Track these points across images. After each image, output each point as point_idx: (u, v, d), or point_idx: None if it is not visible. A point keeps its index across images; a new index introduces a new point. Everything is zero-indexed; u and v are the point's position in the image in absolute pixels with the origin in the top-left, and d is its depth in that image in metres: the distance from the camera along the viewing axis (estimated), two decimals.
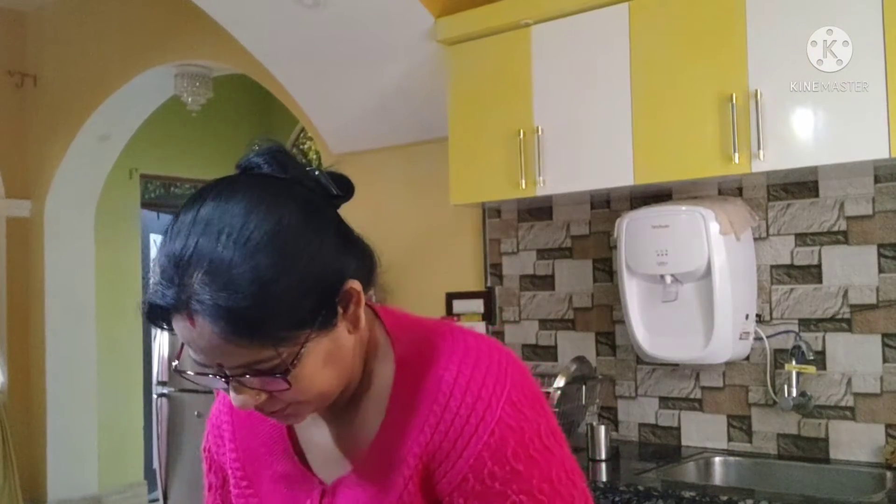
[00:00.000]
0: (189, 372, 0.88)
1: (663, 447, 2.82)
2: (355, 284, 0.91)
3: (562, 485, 0.91)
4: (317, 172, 0.94)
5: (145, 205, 6.21)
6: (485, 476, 0.89)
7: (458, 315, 3.38)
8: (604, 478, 2.43)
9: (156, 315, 0.87)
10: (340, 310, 0.90)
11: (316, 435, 1.02)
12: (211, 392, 1.04)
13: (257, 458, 1.06)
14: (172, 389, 4.27)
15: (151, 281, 0.87)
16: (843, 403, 2.53)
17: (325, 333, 0.89)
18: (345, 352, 0.93)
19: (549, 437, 0.92)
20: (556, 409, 2.71)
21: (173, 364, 0.92)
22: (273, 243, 0.84)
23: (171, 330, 0.87)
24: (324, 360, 0.90)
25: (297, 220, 0.87)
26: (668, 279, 2.58)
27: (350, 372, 0.96)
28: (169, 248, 0.85)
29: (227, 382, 0.88)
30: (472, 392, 0.91)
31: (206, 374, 0.88)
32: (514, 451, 0.89)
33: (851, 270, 2.53)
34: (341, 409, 1.00)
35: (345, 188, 0.98)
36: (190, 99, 4.80)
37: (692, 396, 2.81)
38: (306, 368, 0.88)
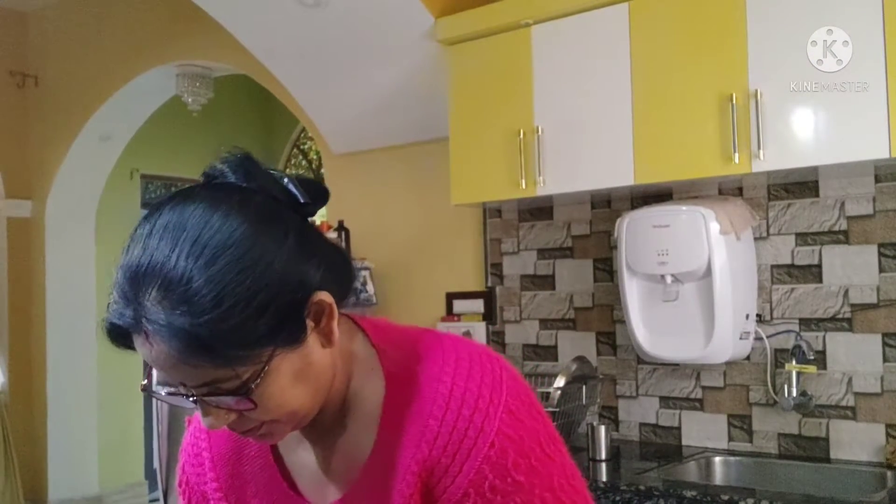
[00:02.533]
0: (161, 392, 0.85)
1: (664, 447, 2.82)
2: (325, 296, 0.86)
3: (563, 492, 0.90)
4: (285, 180, 0.89)
5: (146, 205, 6.21)
6: (486, 490, 0.87)
7: (459, 315, 3.38)
8: (604, 478, 2.43)
9: (116, 335, 0.84)
10: (312, 323, 0.86)
11: (303, 457, 0.99)
12: None
13: (242, 485, 1.01)
14: None
15: (110, 299, 0.83)
16: (843, 403, 2.53)
17: (293, 349, 0.85)
18: (318, 368, 0.89)
19: (548, 445, 0.91)
20: (557, 409, 2.71)
21: (142, 384, 0.87)
22: (226, 256, 0.80)
23: (133, 349, 0.84)
24: (293, 378, 0.86)
25: (253, 230, 0.82)
26: (669, 279, 2.58)
27: (328, 388, 0.92)
28: (125, 261, 0.83)
29: (196, 402, 0.85)
30: (469, 403, 0.88)
31: (175, 394, 0.84)
32: (514, 462, 0.87)
33: (852, 270, 2.53)
34: (328, 429, 0.96)
35: (316, 195, 0.91)
36: (191, 99, 4.81)
37: (693, 396, 2.81)
38: (273, 387, 0.84)
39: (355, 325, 0.98)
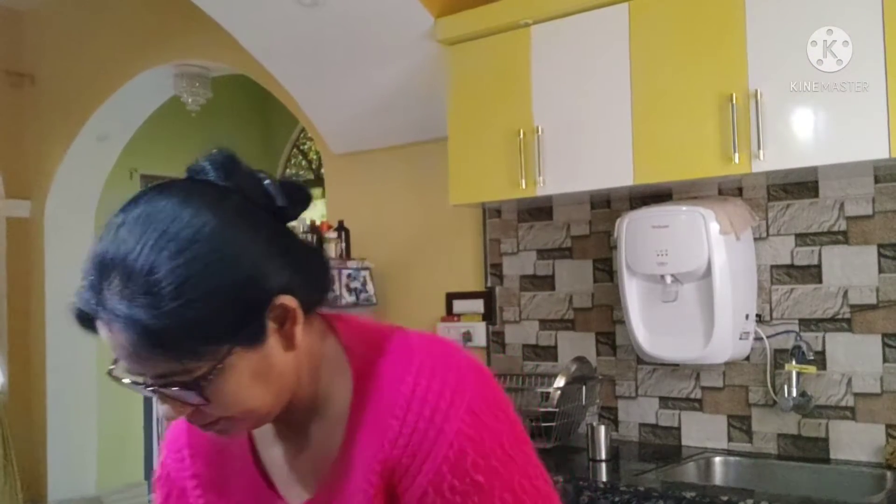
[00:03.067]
0: (124, 380, 0.86)
1: (663, 447, 2.82)
2: (288, 301, 0.87)
3: (525, 493, 0.90)
4: (266, 181, 0.90)
5: None
6: (445, 490, 0.87)
7: (459, 315, 3.38)
8: (604, 478, 2.43)
9: (82, 318, 0.85)
10: (275, 326, 0.87)
11: (279, 455, 1.00)
12: None
13: (221, 481, 1.02)
14: None
15: (81, 283, 0.85)
16: (843, 403, 2.53)
17: (252, 349, 0.86)
18: (279, 369, 0.89)
19: (511, 446, 0.91)
20: (556, 409, 2.71)
21: (109, 369, 0.88)
22: (191, 251, 0.81)
23: (97, 333, 0.85)
24: (251, 377, 0.87)
25: (222, 228, 0.83)
26: (668, 279, 2.58)
27: (291, 389, 0.92)
28: (95, 248, 0.84)
29: (154, 392, 0.86)
30: (430, 403, 0.88)
31: (134, 383, 0.86)
32: (473, 462, 0.87)
33: (851, 270, 2.53)
34: (300, 427, 0.97)
35: (297, 199, 0.92)
36: (190, 99, 4.80)
37: (692, 396, 2.81)
38: (229, 384, 0.85)
39: (328, 325, 0.98)
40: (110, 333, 0.83)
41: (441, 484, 0.87)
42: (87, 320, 0.85)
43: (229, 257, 0.83)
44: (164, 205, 0.84)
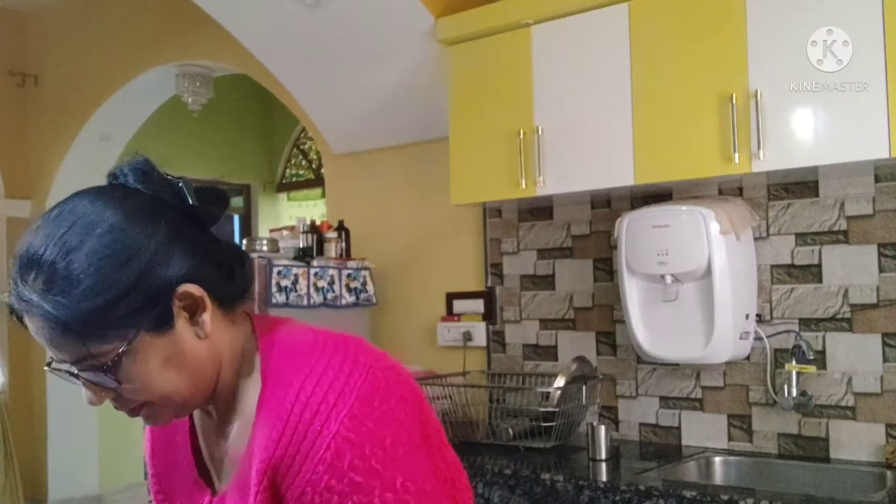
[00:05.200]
0: (58, 371, 0.94)
1: (664, 447, 2.82)
2: (192, 289, 0.94)
3: (409, 494, 0.91)
4: (180, 184, 0.97)
5: None
6: (322, 489, 0.90)
7: (459, 315, 3.39)
8: (604, 477, 2.43)
9: (13, 313, 0.93)
10: (186, 314, 0.94)
11: (212, 449, 1.07)
12: None
13: (170, 472, 1.11)
14: None
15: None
16: (843, 403, 2.54)
17: (160, 335, 0.93)
18: (193, 356, 0.96)
19: (396, 448, 0.92)
20: (557, 409, 2.72)
21: (47, 362, 0.96)
22: (91, 243, 0.90)
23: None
24: (162, 362, 0.94)
25: (124, 223, 0.91)
26: (669, 279, 2.58)
27: (210, 379, 0.99)
28: (17, 247, 0.94)
29: (76, 378, 0.93)
30: (311, 407, 0.92)
31: (59, 370, 0.94)
32: (351, 463, 0.90)
33: (852, 270, 2.53)
34: (224, 423, 1.04)
35: (210, 201, 0.99)
36: (191, 99, 4.81)
37: (692, 396, 2.82)
38: (139, 368, 0.93)
39: (252, 326, 1.04)
40: (30, 323, 0.91)
41: (318, 484, 0.90)
42: (16, 315, 0.93)
43: (128, 248, 0.91)
44: (75, 205, 0.93)
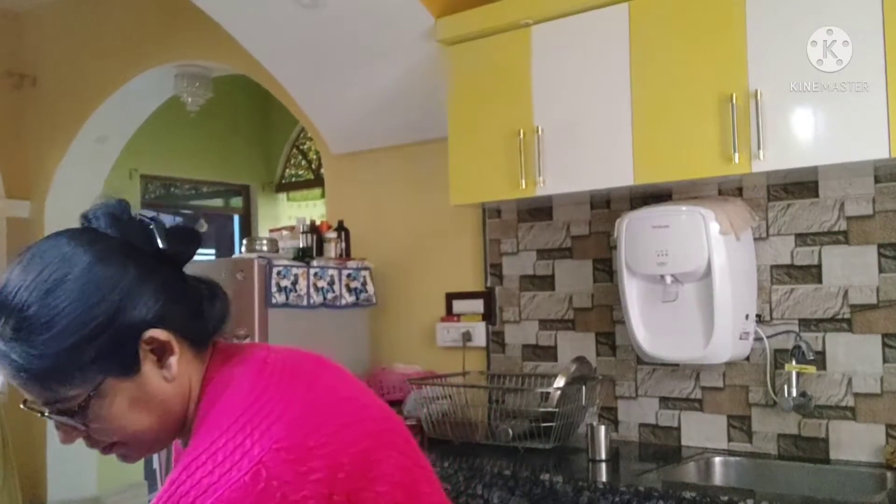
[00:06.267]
0: (31, 407, 0.96)
1: (663, 447, 2.82)
2: (159, 334, 0.94)
3: None
4: (151, 226, 0.98)
5: (145, 205, 6.21)
6: None
7: (459, 315, 3.38)
8: (604, 478, 2.43)
9: None
10: (153, 357, 0.95)
11: None
12: None
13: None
14: None
15: None
16: (843, 404, 2.53)
17: (127, 379, 0.94)
18: (160, 398, 0.97)
19: None
20: (556, 410, 2.71)
21: (23, 401, 0.98)
22: (58, 291, 0.90)
23: None
24: (129, 404, 0.95)
25: (88, 268, 0.92)
26: (668, 279, 2.57)
27: (179, 414, 0.99)
28: None
29: (49, 418, 0.95)
30: (175, 497, 0.88)
31: (32, 409, 0.96)
32: None
33: (851, 270, 2.53)
34: None
35: (181, 241, 1.00)
36: (190, 99, 4.81)
37: (692, 397, 2.81)
38: (107, 410, 0.94)
39: (209, 370, 1.02)
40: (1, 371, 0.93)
41: None
42: None
43: (94, 294, 0.91)
44: (47, 249, 0.94)
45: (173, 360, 0.96)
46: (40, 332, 0.90)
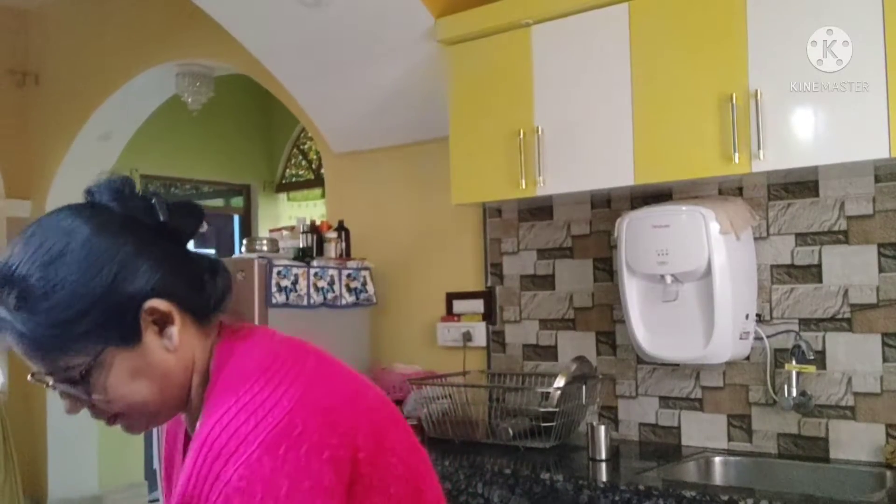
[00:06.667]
0: (38, 378, 0.97)
1: (663, 446, 2.82)
2: (159, 304, 0.96)
3: None
4: (153, 201, 1.00)
5: None
6: None
7: (459, 315, 3.39)
8: (604, 477, 2.43)
9: None
10: (155, 327, 0.97)
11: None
12: None
13: (171, 463, 1.15)
14: None
15: None
16: (843, 403, 2.54)
17: (128, 348, 0.95)
18: (162, 369, 0.98)
19: (292, 497, 0.88)
20: (557, 409, 2.72)
21: (31, 373, 0.99)
22: (58, 262, 0.93)
23: None
24: (131, 374, 0.96)
25: (87, 240, 0.94)
26: (669, 279, 2.58)
27: (181, 387, 1.01)
28: None
29: (53, 388, 0.97)
30: (214, 451, 0.90)
31: (39, 380, 0.97)
32: None
33: (852, 270, 2.53)
34: (192, 432, 1.05)
35: (183, 216, 1.02)
36: (191, 99, 4.81)
37: (692, 396, 2.82)
38: (110, 380, 0.96)
39: (219, 342, 1.04)
40: (4, 339, 0.95)
41: None
42: None
43: (94, 265, 0.93)
44: (48, 223, 0.97)
45: (174, 331, 0.98)
46: (41, 303, 0.92)
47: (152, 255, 0.97)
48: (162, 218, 1.00)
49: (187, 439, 1.10)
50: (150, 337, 0.97)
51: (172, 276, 0.98)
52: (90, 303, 0.93)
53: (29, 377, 0.99)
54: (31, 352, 0.94)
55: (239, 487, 0.88)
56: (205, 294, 1.02)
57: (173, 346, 0.98)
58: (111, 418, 1.00)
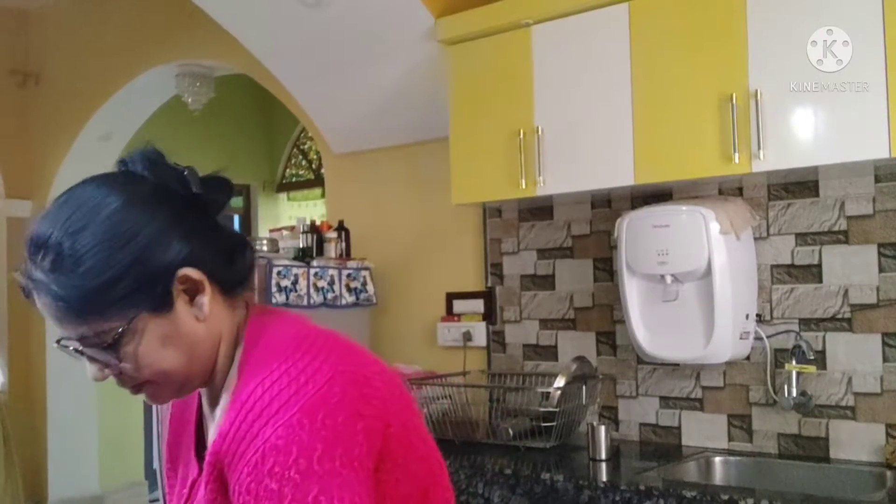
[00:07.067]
0: (66, 347, 0.99)
1: (664, 446, 2.82)
2: (191, 272, 0.98)
3: None
4: (185, 173, 1.01)
5: None
6: (243, 490, 0.91)
7: (459, 315, 3.39)
8: (604, 477, 2.43)
9: (23, 292, 0.99)
10: (186, 297, 0.98)
11: (208, 430, 1.10)
12: None
13: (177, 445, 1.16)
14: None
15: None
16: (843, 403, 2.54)
17: (160, 315, 0.97)
18: (191, 337, 1.00)
19: (324, 462, 0.90)
20: (557, 409, 2.72)
21: (56, 339, 1.00)
22: (94, 227, 0.95)
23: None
24: (161, 341, 0.98)
25: (124, 208, 0.96)
26: (669, 279, 2.58)
27: (208, 359, 1.02)
28: (29, 230, 0.99)
29: (81, 354, 0.98)
30: (255, 411, 0.93)
31: (64, 346, 0.99)
32: (271, 470, 0.90)
33: (852, 270, 2.53)
34: (210, 407, 1.08)
35: (215, 188, 1.04)
36: (191, 99, 4.81)
37: (693, 396, 2.82)
38: (140, 346, 0.97)
39: (249, 316, 1.07)
40: (38, 301, 0.97)
41: (242, 484, 0.91)
42: (26, 293, 0.99)
43: (128, 231, 0.95)
44: (82, 191, 0.99)
45: (205, 300, 0.99)
46: (76, 266, 0.93)
47: (185, 225, 0.99)
48: (195, 189, 1.01)
49: (198, 421, 1.12)
50: (181, 305, 0.98)
51: (203, 247, 1.00)
52: (125, 268, 0.94)
53: (55, 344, 1.00)
54: (65, 314, 0.95)
55: (276, 445, 0.90)
56: (234, 267, 1.03)
57: (203, 315, 1.00)
58: (137, 387, 1.01)
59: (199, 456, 1.09)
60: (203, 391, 1.10)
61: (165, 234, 0.97)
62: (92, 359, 0.98)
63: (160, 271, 0.96)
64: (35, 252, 0.96)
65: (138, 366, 0.98)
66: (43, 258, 0.95)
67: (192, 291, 0.99)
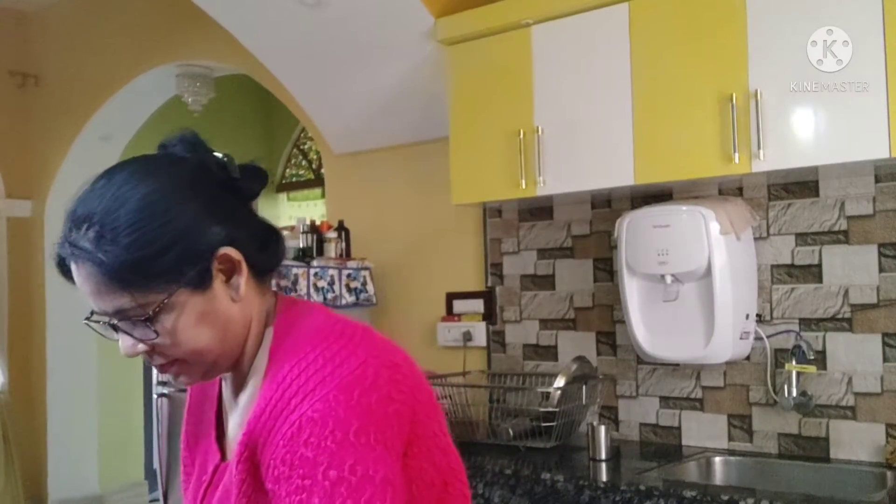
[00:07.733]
0: (94, 324, 1.01)
1: (664, 447, 2.82)
2: (231, 252, 1.00)
3: (354, 476, 0.90)
4: (224, 158, 1.05)
5: None
6: (279, 462, 0.92)
7: (459, 315, 3.39)
8: (604, 477, 2.43)
9: (60, 265, 1.00)
10: (223, 277, 1.01)
11: (232, 416, 1.11)
12: None
13: (197, 431, 1.18)
14: (173, 389, 4.26)
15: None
16: (843, 403, 2.54)
17: (199, 293, 0.99)
18: (225, 317, 1.02)
19: (360, 436, 0.91)
20: (557, 409, 2.72)
21: (85, 318, 1.02)
22: (139, 203, 0.96)
23: (73, 280, 1.00)
24: (197, 318, 0.99)
25: (167, 187, 0.99)
26: (669, 279, 2.58)
27: (238, 341, 1.04)
28: (70, 206, 1.00)
29: (115, 329, 0.99)
30: (292, 389, 0.95)
31: (97, 320, 1.00)
32: (307, 440, 0.91)
33: (852, 270, 2.53)
34: (233, 394, 1.10)
35: (252, 176, 1.06)
36: (191, 99, 4.81)
37: (693, 396, 2.82)
38: (177, 322, 0.98)
39: (277, 303, 1.09)
40: (77, 270, 0.97)
41: (277, 456, 0.93)
42: (62, 267, 1.00)
43: (171, 209, 0.97)
44: (126, 169, 1.01)
45: (241, 281, 1.02)
46: (121, 238, 0.95)
47: (225, 206, 1.02)
48: (233, 174, 1.04)
49: (218, 410, 1.14)
50: (218, 284, 1.00)
51: (241, 231, 1.02)
52: (168, 243, 0.96)
53: (84, 320, 1.01)
54: (107, 284, 0.96)
55: (312, 418, 0.92)
56: (267, 252, 1.06)
57: (238, 296, 1.02)
58: (168, 365, 1.02)
59: (219, 444, 1.12)
60: (226, 377, 1.11)
61: (207, 213, 0.99)
62: (126, 333, 0.99)
63: (202, 248, 0.98)
64: (79, 224, 0.97)
65: (174, 342, 0.99)
66: (88, 229, 0.96)
67: (229, 272, 1.01)
